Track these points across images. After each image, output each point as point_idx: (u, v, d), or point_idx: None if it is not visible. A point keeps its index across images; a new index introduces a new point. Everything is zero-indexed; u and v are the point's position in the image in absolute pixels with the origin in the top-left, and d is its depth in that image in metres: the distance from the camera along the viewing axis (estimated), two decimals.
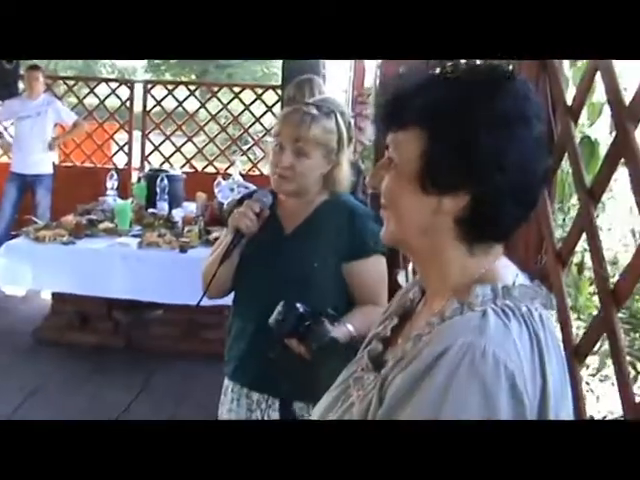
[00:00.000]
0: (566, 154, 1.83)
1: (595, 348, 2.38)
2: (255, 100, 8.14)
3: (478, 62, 1.21)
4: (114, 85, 8.37)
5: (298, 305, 1.94)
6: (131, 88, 8.20)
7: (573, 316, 2.71)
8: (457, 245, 1.15)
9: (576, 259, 2.44)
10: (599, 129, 2.01)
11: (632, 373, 4.46)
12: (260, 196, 2.26)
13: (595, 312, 1.79)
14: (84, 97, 8.43)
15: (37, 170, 6.81)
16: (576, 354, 1.67)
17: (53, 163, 7.02)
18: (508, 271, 1.17)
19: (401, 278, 3.58)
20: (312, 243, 2.22)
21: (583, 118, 1.91)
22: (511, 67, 1.20)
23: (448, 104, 1.11)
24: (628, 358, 4.63)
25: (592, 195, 1.66)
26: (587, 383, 4.55)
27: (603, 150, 1.69)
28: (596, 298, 1.78)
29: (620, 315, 5.14)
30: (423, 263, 1.22)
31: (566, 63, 1.98)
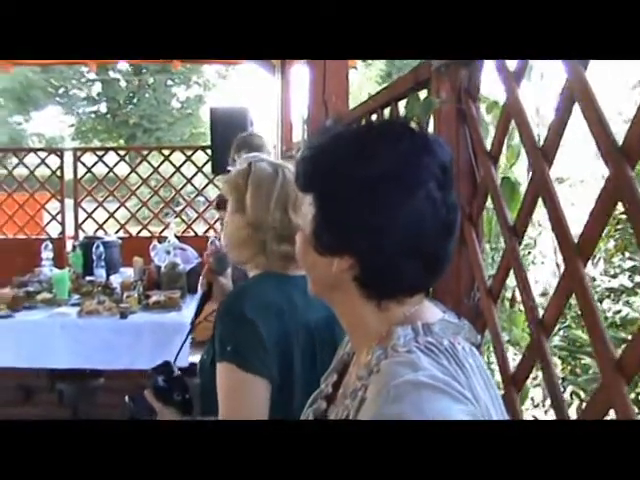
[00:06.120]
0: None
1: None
2: (185, 162, 8.21)
3: (374, 120, 1.22)
4: (43, 155, 8.27)
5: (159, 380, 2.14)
6: (61, 156, 8.13)
7: (512, 349, 2.81)
8: (365, 302, 1.18)
9: (509, 294, 2.53)
10: (521, 169, 2.12)
11: (576, 402, 4.57)
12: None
13: None
14: (13, 168, 8.37)
15: None
16: (513, 383, 1.75)
17: None
18: (430, 312, 1.19)
19: None
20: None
21: (505, 160, 2.01)
22: (404, 127, 1.17)
23: (329, 170, 1.16)
24: (571, 387, 4.70)
25: (515, 232, 1.75)
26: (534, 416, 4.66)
27: (523, 189, 1.77)
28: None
29: (559, 343, 5.22)
30: (343, 317, 1.25)
31: (483, 109, 2.10)
